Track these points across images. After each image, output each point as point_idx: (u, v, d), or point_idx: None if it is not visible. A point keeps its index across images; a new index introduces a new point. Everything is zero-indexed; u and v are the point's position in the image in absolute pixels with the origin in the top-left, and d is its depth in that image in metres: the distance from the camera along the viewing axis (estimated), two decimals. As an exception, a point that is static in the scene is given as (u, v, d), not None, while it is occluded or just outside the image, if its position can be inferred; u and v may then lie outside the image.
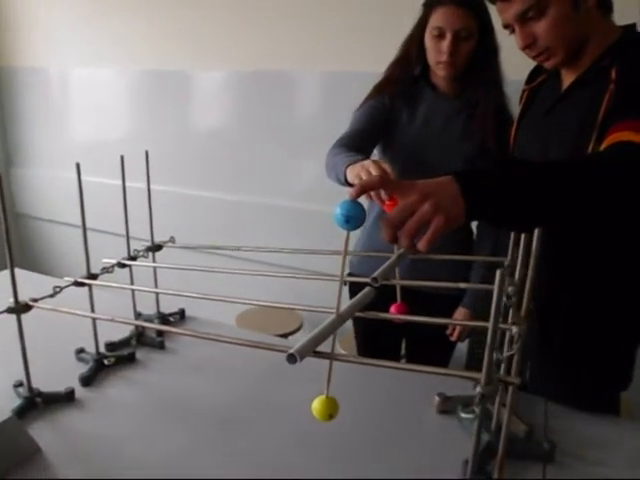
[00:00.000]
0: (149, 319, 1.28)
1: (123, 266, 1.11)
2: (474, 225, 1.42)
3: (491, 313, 0.59)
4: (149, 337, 1.22)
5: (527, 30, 0.96)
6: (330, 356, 0.59)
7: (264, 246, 1.20)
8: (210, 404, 1.03)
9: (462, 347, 1.81)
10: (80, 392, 1.03)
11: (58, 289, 0.95)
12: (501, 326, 0.69)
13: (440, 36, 1.24)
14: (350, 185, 1.06)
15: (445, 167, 1.29)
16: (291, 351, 0.55)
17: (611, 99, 0.89)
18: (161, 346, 1.20)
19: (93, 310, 1.06)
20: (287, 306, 0.84)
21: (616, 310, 1.02)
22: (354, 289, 1.54)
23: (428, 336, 1.41)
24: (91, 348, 1.12)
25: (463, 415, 0.98)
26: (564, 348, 1.06)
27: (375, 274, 0.63)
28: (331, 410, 0.59)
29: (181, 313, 1.35)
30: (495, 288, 0.57)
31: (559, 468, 0.88)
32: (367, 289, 0.68)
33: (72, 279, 0.99)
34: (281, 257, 1.33)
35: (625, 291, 1.02)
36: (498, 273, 0.56)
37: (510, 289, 0.79)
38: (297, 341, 0.56)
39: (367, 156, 1.15)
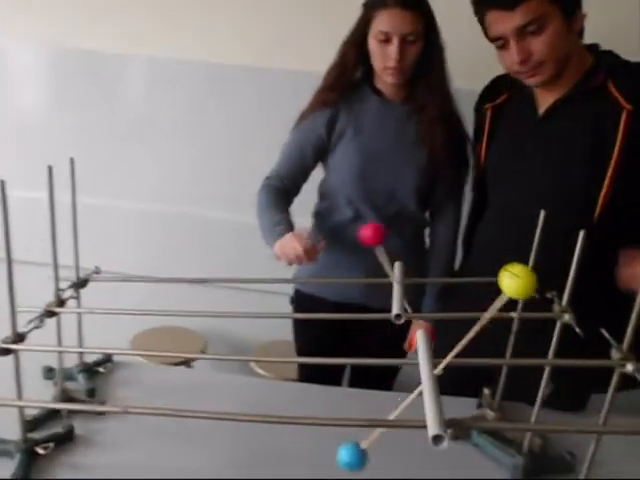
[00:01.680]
0: (70, 374, 0.99)
1: (51, 315, 0.83)
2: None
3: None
4: (80, 400, 0.94)
5: (523, 45, 0.97)
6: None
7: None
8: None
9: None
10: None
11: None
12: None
13: (386, 41, 1.18)
14: None
15: (400, 178, 1.28)
16: (435, 432, 0.47)
17: (628, 128, 0.95)
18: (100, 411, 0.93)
19: (19, 384, 0.76)
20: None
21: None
22: (303, 309, 1.43)
23: (377, 351, 1.37)
24: (10, 433, 0.81)
25: (481, 440, 0.93)
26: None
27: (397, 310, 0.70)
28: None
29: (107, 359, 1.08)
30: None
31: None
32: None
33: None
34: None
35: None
36: None
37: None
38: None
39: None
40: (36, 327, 0.77)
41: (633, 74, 1.01)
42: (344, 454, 0.51)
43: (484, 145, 1.18)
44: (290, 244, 1.17)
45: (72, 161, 0.88)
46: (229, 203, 1.90)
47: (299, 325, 1.49)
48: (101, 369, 1.05)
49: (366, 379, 1.39)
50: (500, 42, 1.00)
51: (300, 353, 1.54)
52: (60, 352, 0.91)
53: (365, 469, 0.77)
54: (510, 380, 0.98)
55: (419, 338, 0.64)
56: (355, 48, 1.23)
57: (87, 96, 1.89)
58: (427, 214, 1.39)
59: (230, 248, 1.93)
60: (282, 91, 1.76)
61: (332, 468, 0.84)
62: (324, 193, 1.37)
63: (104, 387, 1.02)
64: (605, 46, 1.07)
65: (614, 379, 0.65)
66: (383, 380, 1.48)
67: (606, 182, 1.01)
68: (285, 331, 1.55)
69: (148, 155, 1.93)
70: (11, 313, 0.73)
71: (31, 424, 0.85)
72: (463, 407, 1.03)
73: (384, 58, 1.19)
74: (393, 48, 1.17)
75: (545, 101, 1.08)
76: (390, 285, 1.26)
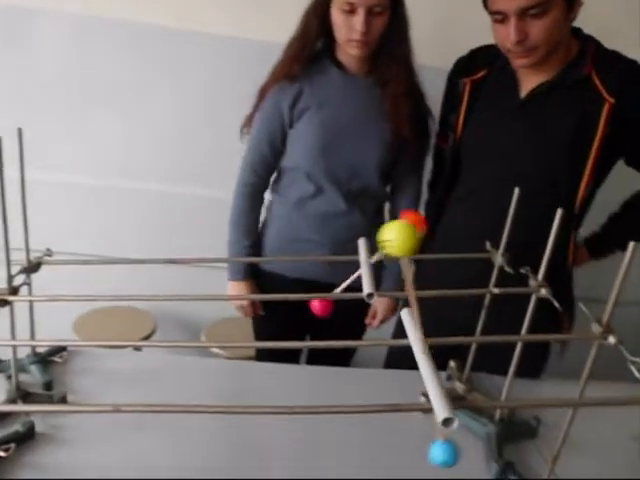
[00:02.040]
0: (22, 366, 0.91)
1: (4, 304, 0.75)
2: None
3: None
4: (39, 395, 0.87)
5: (522, 25, 0.97)
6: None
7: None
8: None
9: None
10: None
11: None
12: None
13: (351, 12, 1.13)
14: None
15: (363, 153, 1.26)
16: (446, 415, 0.48)
17: (609, 120, 1.00)
18: (62, 402, 0.87)
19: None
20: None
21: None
22: (267, 289, 1.39)
23: (337, 329, 1.37)
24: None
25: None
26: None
27: (370, 289, 0.67)
28: None
29: (62, 347, 1.00)
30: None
31: (547, 440, 0.93)
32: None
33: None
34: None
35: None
36: None
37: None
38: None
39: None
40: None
41: (616, 67, 1.04)
42: (438, 453, 0.48)
43: (461, 119, 1.17)
44: (238, 293, 1.39)
45: (20, 132, 0.78)
46: (186, 178, 1.83)
47: (261, 304, 1.46)
48: (57, 358, 0.97)
49: (324, 356, 1.39)
50: (499, 16, 1.00)
51: (258, 330, 1.51)
52: (14, 346, 0.83)
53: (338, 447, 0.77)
54: (477, 350, 1.01)
55: (405, 320, 0.62)
56: (318, 19, 1.18)
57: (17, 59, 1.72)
58: (387, 189, 1.39)
59: (186, 223, 1.86)
60: (242, 61, 1.69)
61: (319, 455, 0.85)
62: (284, 168, 1.33)
63: (61, 378, 0.95)
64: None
65: (593, 352, 0.68)
66: (342, 357, 1.49)
67: (587, 171, 1.05)
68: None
69: (97, 126, 1.78)
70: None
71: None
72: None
73: (349, 30, 1.15)
74: (359, 19, 1.13)
75: (528, 83, 1.09)
76: (353, 262, 1.26)
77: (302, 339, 1.49)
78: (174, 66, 1.73)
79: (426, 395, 0.95)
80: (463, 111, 1.17)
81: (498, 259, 0.88)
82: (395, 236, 0.68)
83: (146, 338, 1.76)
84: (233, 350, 1.73)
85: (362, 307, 1.38)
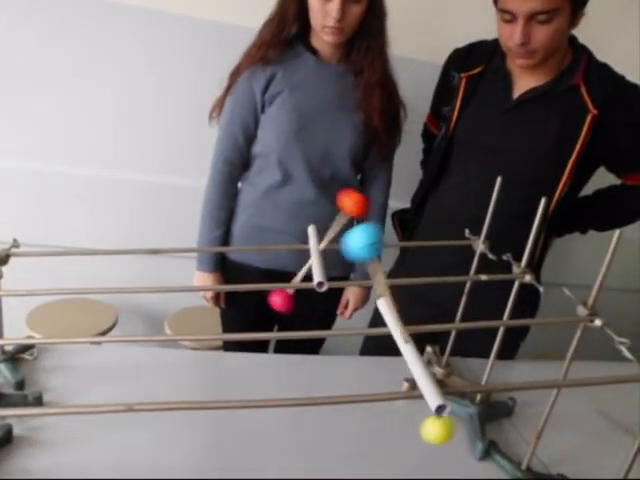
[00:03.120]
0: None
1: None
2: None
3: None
4: (13, 396, 0.82)
5: (528, 28, 1.02)
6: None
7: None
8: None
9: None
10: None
11: None
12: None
13: None
14: None
15: (335, 139, 1.24)
16: (439, 403, 0.48)
17: (591, 129, 1.09)
18: (38, 402, 0.82)
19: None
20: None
21: None
22: (234, 279, 1.36)
23: (306, 318, 1.37)
24: None
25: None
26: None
27: (320, 278, 0.65)
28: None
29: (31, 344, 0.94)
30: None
31: (522, 417, 0.98)
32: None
33: None
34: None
35: None
36: None
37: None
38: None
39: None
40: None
41: (604, 80, 1.11)
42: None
43: (456, 113, 1.21)
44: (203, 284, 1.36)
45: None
46: (151, 165, 1.76)
47: (227, 294, 1.44)
48: (27, 356, 0.92)
49: (293, 346, 1.39)
50: (507, 16, 1.03)
51: (225, 320, 1.49)
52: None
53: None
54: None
55: (383, 310, 0.60)
56: (295, 3, 1.16)
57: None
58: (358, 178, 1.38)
59: (159, 212, 1.81)
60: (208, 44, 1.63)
61: (312, 444, 0.85)
62: (254, 154, 1.30)
63: (32, 377, 0.90)
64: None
65: (578, 333, 0.71)
66: (312, 346, 1.49)
67: (566, 173, 1.13)
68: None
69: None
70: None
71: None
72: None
73: (324, 16, 1.13)
74: (334, 6, 1.11)
75: (522, 85, 1.15)
76: (326, 251, 1.26)
77: (270, 328, 1.48)
78: (156, 50, 1.65)
79: (408, 380, 0.99)
80: (458, 106, 1.21)
81: (480, 246, 0.90)
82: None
83: (107, 330, 1.69)
84: (200, 341, 1.69)
85: (332, 296, 1.38)
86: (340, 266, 1.32)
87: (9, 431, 0.75)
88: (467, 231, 0.94)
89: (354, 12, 1.14)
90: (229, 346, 1.47)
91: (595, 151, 1.12)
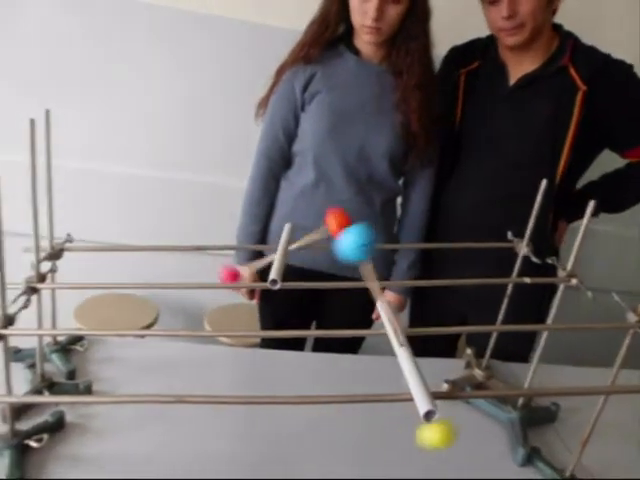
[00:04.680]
0: (42, 355, 0.89)
1: (33, 291, 0.74)
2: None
3: None
4: (65, 384, 0.86)
5: (513, 4, 1.11)
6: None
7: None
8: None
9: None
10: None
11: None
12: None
13: None
14: None
15: (372, 138, 1.25)
16: (428, 408, 0.46)
17: (583, 106, 1.15)
18: (88, 391, 0.86)
19: (9, 375, 0.67)
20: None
21: None
22: (266, 275, 1.36)
23: (344, 319, 1.38)
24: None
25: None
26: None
27: (274, 276, 0.72)
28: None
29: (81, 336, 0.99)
30: None
31: (565, 424, 0.96)
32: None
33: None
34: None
35: None
36: None
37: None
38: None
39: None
40: (25, 307, 0.68)
41: (590, 58, 1.18)
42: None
43: (459, 110, 1.28)
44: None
45: (47, 113, 0.76)
46: (200, 166, 1.83)
47: (263, 290, 1.45)
48: (78, 347, 0.96)
49: (330, 346, 1.39)
50: None
51: (263, 316, 1.51)
52: (40, 335, 0.81)
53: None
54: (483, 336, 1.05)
55: (383, 315, 0.59)
56: (337, 3, 1.17)
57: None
58: (400, 183, 1.37)
59: (187, 210, 1.85)
60: (253, 46, 1.69)
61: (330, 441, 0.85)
62: (294, 153, 1.32)
63: (83, 367, 0.95)
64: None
65: (627, 340, 0.70)
66: (350, 345, 1.49)
67: (565, 152, 1.19)
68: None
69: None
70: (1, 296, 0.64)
71: (14, 413, 0.77)
72: (450, 367, 1.07)
73: (362, 15, 1.14)
74: (372, 5, 1.11)
75: (515, 73, 1.22)
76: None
77: (308, 326, 1.49)
78: (182, 50, 1.70)
79: (448, 382, 0.98)
80: (460, 102, 1.28)
81: (523, 249, 0.89)
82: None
83: (149, 325, 1.74)
84: (239, 338, 1.72)
85: (371, 301, 1.37)
86: (380, 268, 1.32)
87: (61, 417, 0.79)
88: (509, 233, 0.94)
89: (392, 12, 1.14)
90: (266, 342, 1.49)
91: (590, 128, 1.17)
